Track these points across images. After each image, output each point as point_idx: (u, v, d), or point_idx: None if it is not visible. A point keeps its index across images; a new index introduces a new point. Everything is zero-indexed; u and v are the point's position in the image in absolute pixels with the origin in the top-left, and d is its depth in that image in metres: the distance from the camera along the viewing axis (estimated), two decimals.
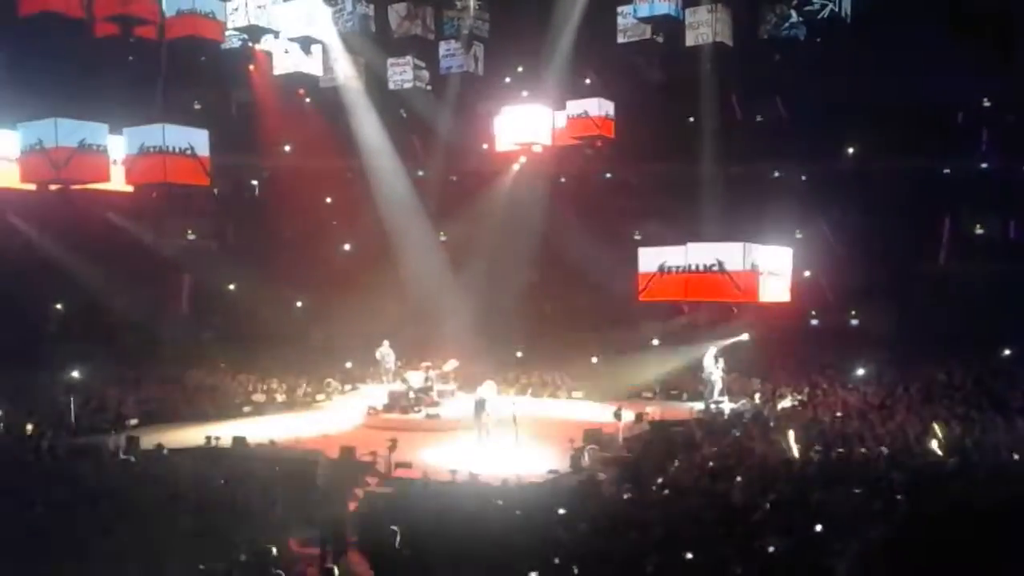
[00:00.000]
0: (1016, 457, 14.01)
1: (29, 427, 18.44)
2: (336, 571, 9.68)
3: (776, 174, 30.32)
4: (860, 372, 22.52)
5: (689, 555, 8.83)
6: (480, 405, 18.74)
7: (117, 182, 19.36)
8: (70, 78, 22.60)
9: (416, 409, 21.35)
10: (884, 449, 14.48)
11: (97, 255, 25.07)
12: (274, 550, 10.32)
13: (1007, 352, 23.09)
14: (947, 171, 28.46)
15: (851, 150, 29.35)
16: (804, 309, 26.50)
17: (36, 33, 23.75)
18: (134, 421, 20.63)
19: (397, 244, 29.09)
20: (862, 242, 27.03)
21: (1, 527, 10.05)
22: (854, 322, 27.47)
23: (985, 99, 28.45)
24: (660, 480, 13.30)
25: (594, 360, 25.94)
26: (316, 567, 11.20)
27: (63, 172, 18.46)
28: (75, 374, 20.35)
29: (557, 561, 9.43)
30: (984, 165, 28.39)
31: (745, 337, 23.09)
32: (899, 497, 10.80)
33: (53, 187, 19.33)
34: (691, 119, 28.95)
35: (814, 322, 27.65)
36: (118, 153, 19.17)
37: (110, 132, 18.99)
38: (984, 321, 22.84)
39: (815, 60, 26.18)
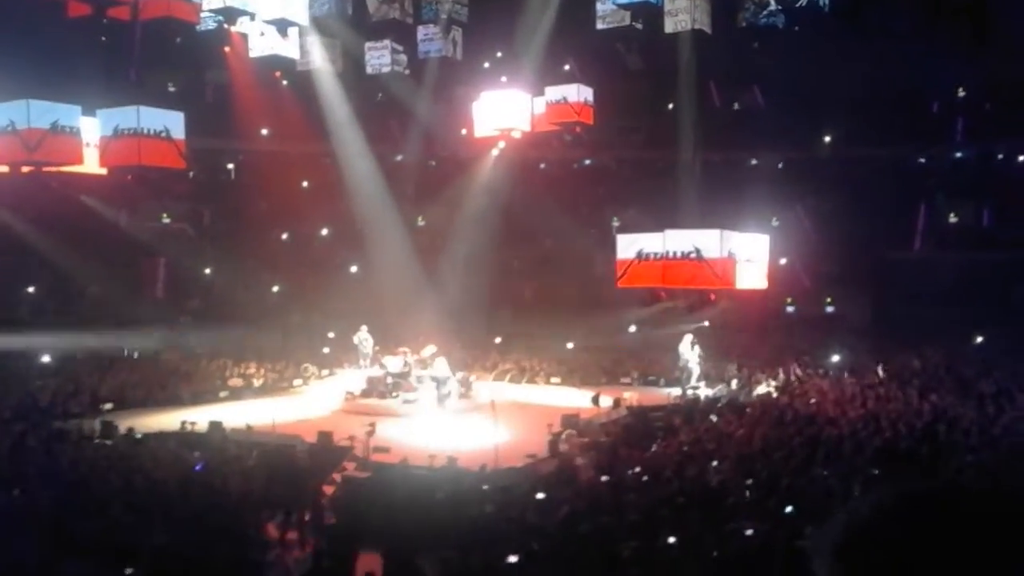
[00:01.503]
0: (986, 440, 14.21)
1: (4, 412, 18.22)
2: (324, 551, 9.67)
3: (753, 161, 30.52)
4: (835, 358, 22.74)
5: (668, 539, 8.88)
6: (441, 382, 20.25)
7: (91, 165, 19.14)
8: (42, 59, 22.25)
9: (394, 394, 21.33)
10: (857, 433, 14.64)
11: (70, 238, 24.78)
12: (252, 534, 10.32)
13: (980, 339, 23.41)
14: (922, 159, 28.78)
15: (828, 138, 29.59)
16: (780, 296, 26.72)
17: (7, 13, 23.40)
18: (109, 405, 20.45)
19: (375, 229, 28.97)
20: (838, 229, 27.28)
21: None
22: (830, 309, 27.76)
23: (960, 88, 28.76)
24: (638, 465, 13.37)
25: (570, 346, 26.00)
26: (294, 551, 11.19)
27: (35, 154, 18.22)
28: (48, 358, 20.13)
29: (536, 546, 9.47)
30: (959, 154, 28.74)
31: (704, 323, 23.30)
32: (874, 480, 10.94)
33: (25, 169, 19.09)
34: (669, 106, 29.03)
35: (790, 309, 27.90)
36: (92, 135, 18.94)
37: (83, 114, 18.77)
38: (958, 308, 23.16)
39: (793, 48, 26.30)
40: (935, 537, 1.20)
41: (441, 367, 20.67)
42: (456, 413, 19.84)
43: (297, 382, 24.45)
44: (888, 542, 1.22)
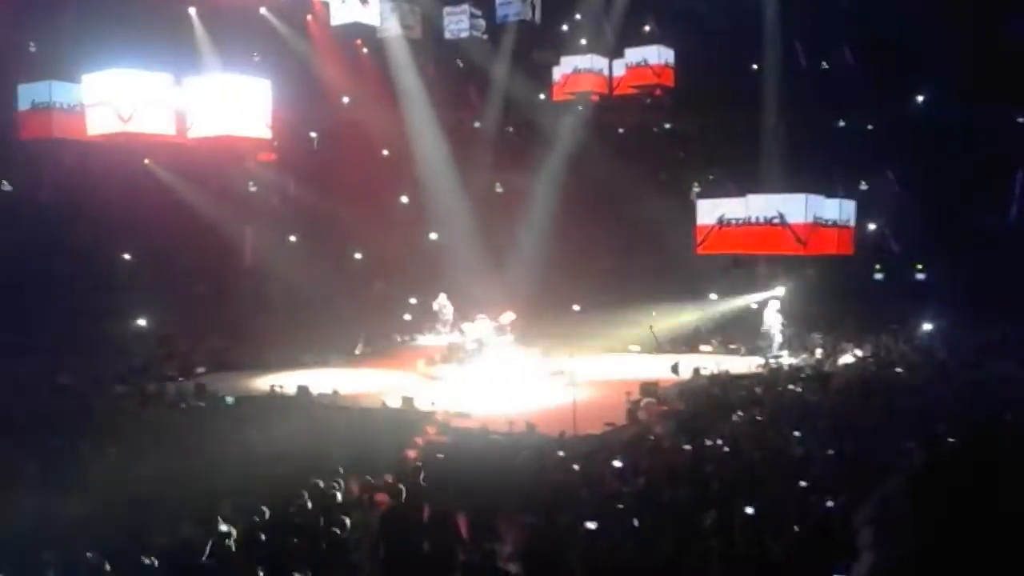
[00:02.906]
0: None
1: (102, 374, 19.08)
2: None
3: (841, 123, 29.49)
4: (926, 328, 22.01)
5: (748, 509, 8.81)
6: (478, 344, 21.04)
7: (181, 134, 19.69)
8: (133, 29, 22.86)
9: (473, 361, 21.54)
10: (946, 404, 14.22)
11: (162, 207, 25.60)
12: (339, 495, 10.61)
13: None
14: (1021, 120, 27.37)
15: (920, 98, 28.37)
16: (868, 263, 25.96)
17: None
18: (202, 369, 21.22)
19: (454, 196, 29.10)
20: (930, 194, 26.22)
21: (77, 471, 10.48)
22: (921, 276, 26.81)
23: None
24: (718, 434, 13.26)
25: (652, 314, 25.77)
26: (378, 512, 11.44)
27: (129, 124, 18.85)
28: (144, 323, 20.92)
29: (615, 513, 9.51)
30: None
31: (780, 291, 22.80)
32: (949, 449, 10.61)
33: (119, 139, 19.77)
34: (754, 67, 28.22)
35: (878, 276, 27.05)
36: (180, 104, 19.47)
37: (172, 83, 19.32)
38: None
39: (884, 3, 25.26)
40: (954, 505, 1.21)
41: (469, 327, 21.58)
42: (532, 378, 19.95)
43: (379, 347, 24.91)
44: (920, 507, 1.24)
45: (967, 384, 15.83)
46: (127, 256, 27.63)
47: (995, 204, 26.63)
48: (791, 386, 16.86)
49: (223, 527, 9.02)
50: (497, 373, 20.31)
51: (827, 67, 30.21)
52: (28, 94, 21.57)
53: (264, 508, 9.66)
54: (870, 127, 28.91)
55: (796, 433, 12.68)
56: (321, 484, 10.57)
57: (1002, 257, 23.81)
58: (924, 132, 26.94)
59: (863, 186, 27.07)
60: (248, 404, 16.83)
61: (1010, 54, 25.65)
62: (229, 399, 16.97)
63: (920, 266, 26.83)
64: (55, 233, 24.60)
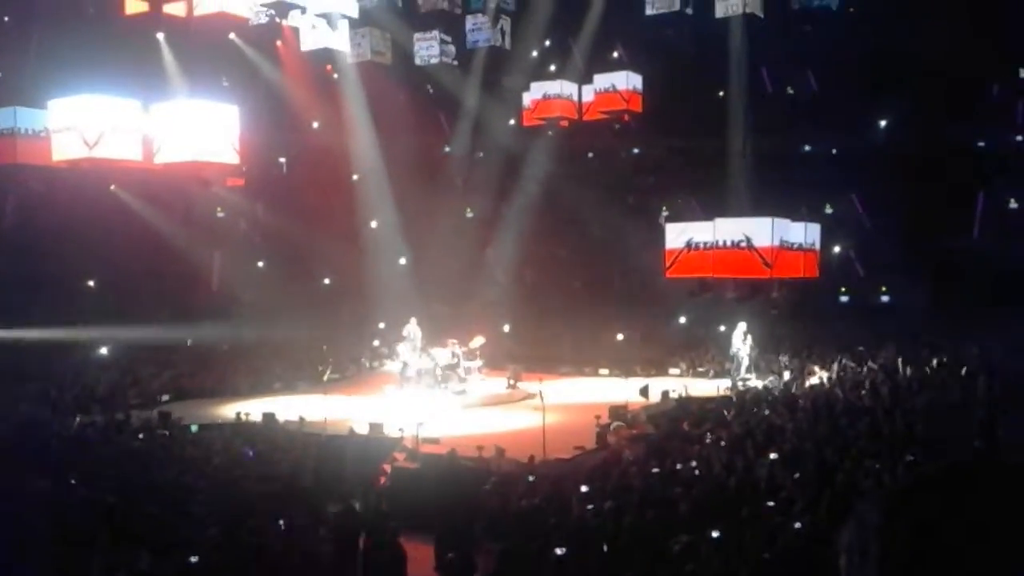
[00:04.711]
0: None
1: (66, 402, 18.76)
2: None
3: (806, 148, 29.93)
4: (890, 349, 22.27)
5: (715, 533, 8.83)
6: (447, 368, 21.23)
7: (147, 160, 19.53)
8: (101, 55, 22.73)
9: (443, 385, 21.47)
10: (912, 425, 14.35)
11: (128, 233, 25.33)
12: (305, 523, 10.50)
13: None
14: (981, 144, 27.94)
15: (883, 123, 28.89)
16: (833, 285, 26.23)
17: (66, 10, 23.99)
18: (166, 397, 20.94)
19: (423, 221, 29.11)
20: (894, 217, 26.65)
21: (40, 503, 10.27)
22: (885, 298, 27.16)
23: (1022, 70, 27.88)
24: (687, 457, 13.28)
25: (620, 337, 25.88)
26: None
27: (95, 150, 18.68)
28: (107, 351, 20.63)
29: (584, 538, 9.48)
30: (1020, 138, 27.88)
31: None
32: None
33: (84, 164, 19.57)
34: (720, 93, 28.62)
35: (844, 298, 27.37)
36: (148, 130, 19.33)
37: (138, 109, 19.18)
38: (1018, 297, 22.48)
39: (848, 31, 25.75)
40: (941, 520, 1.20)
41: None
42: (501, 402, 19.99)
43: (348, 373, 24.73)
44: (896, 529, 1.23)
45: (930, 406, 15.98)
46: (91, 283, 27.26)
47: (958, 225, 27.10)
48: (757, 409, 16.94)
49: (195, 558, 8.88)
50: (466, 397, 20.25)
51: (792, 93, 30.72)
52: None
53: (228, 537, 9.53)
54: (835, 152, 29.37)
55: (773, 456, 12.72)
56: (287, 511, 10.45)
57: (966, 277, 24.21)
58: (888, 157, 27.43)
59: (828, 210, 27.45)
60: (213, 432, 16.61)
61: (969, 80, 26.27)
62: (194, 427, 16.75)
63: (884, 288, 27.19)
64: (18, 259, 24.22)
